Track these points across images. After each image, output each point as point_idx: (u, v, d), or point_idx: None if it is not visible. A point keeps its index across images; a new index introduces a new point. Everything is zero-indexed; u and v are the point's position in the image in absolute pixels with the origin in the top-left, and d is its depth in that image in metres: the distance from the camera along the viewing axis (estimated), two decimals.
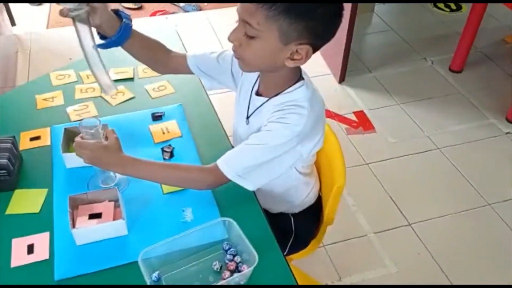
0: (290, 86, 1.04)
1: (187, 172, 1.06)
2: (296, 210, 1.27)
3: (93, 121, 1.04)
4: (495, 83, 2.80)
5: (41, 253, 0.98)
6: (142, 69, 1.53)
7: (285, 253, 1.04)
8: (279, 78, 1.03)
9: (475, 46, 2.84)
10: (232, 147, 1.24)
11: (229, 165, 1.01)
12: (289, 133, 0.99)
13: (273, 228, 1.05)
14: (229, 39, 0.98)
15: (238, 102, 1.19)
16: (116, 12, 1.07)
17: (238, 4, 0.94)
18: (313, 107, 1.01)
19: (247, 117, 1.13)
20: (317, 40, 0.96)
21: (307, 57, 0.97)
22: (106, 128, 1.09)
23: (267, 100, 1.07)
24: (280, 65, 0.98)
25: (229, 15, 3.38)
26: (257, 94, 1.11)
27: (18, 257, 0.98)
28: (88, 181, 1.13)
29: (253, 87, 1.12)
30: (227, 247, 0.98)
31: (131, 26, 1.08)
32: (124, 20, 1.06)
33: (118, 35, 1.06)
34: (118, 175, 1.13)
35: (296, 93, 1.03)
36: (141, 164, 1.04)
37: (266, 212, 1.13)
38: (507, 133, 2.45)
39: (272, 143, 0.99)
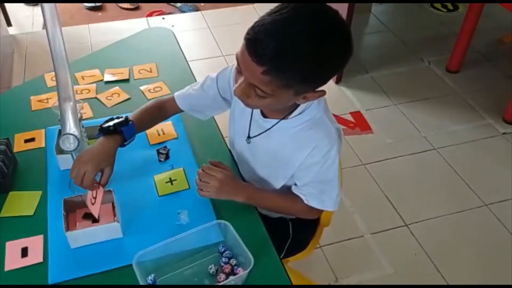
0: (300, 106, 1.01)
1: (297, 210, 1.13)
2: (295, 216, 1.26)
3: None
4: (492, 83, 2.80)
5: (35, 256, 0.97)
6: (138, 70, 1.53)
7: (281, 256, 1.04)
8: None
9: (472, 47, 2.84)
10: (228, 149, 1.25)
11: (326, 204, 1.09)
12: (335, 153, 1.02)
13: (270, 232, 1.04)
14: (236, 94, 0.94)
15: (233, 119, 1.16)
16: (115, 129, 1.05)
17: (242, 64, 0.88)
18: (331, 119, 1.04)
19: (249, 137, 1.11)
20: (329, 79, 0.94)
21: (320, 96, 0.95)
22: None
23: (277, 122, 1.04)
24: (291, 104, 0.99)
25: (226, 16, 3.39)
26: (263, 114, 1.07)
27: (12, 260, 0.97)
28: (70, 180, 1.12)
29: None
30: (222, 250, 0.97)
31: (133, 133, 1.09)
32: (126, 142, 1.07)
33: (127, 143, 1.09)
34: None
35: (310, 112, 1.01)
36: (262, 194, 1.10)
37: (265, 217, 1.13)
38: (503, 133, 2.45)
39: (336, 169, 1.04)
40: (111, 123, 1.04)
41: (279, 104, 0.97)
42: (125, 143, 1.07)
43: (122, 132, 1.04)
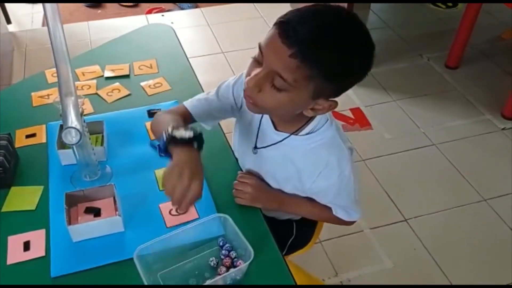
0: (311, 119, 0.99)
1: (328, 217, 1.13)
2: (299, 217, 1.27)
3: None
4: (490, 79, 2.81)
5: (37, 250, 0.98)
6: (138, 66, 1.53)
7: (283, 253, 1.04)
8: (295, 115, 0.96)
9: (471, 43, 2.84)
10: (229, 145, 1.25)
11: (352, 215, 1.11)
12: (349, 173, 1.02)
13: (274, 229, 1.05)
14: (249, 85, 0.88)
15: (241, 127, 1.14)
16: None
17: (268, 48, 0.85)
18: (343, 138, 1.03)
19: (255, 147, 1.10)
20: (342, 93, 0.91)
21: (329, 109, 0.92)
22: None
23: (288, 136, 1.01)
24: (297, 113, 0.94)
25: (225, 13, 3.39)
26: (274, 127, 1.04)
27: (14, 254, 0.97)
28: (71, 175, 1.14)
29: (262, 116, 1.07)
30: (221, 243, 0.98)
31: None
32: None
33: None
34: (100, 169, 1.14)
35: (323, 132, 1.00)
36: (293, 200, 1.11)
37: (271, 219, 1.14)
38: (502, 129, 2.46)
39: (352, 186, 1.04)
40: (186, 134, 0.91)
41: (290, 106, 0.90)
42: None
43: (201, 143, 0.93)
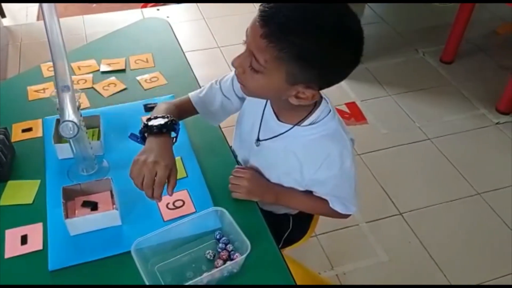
0: (313, 110, 1.00)
1: (325, 211, 1.14)
2: (296, 211, 1.28)
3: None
4: (486, 74, 2.83)
5: (35, 244, 0.98)
6: (134, 60, 1.53)
7: (279, 247, 1.05)
8: (293, 104, 0.95)
9: (467, 37, 2.85)
10: (225, 138, 1.26)
11: (349, 207, 1.12)
12: (350, 164, 1.03)
13: (270, 224, 1.05)
14: (233, 64, 0.92)
15: (242, 120, 1.15)
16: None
17: (249, 29, 0.87)
18: (345, 130, 1.03)
19: (258, 140, 1.10)
20: (327, 84, 0.92)
21: (313, 99, 0.92)
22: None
23: (291, 128, 1.02)
24: (284, 99, 0.94)
25: (221, 7, 3.38)
26: (277, 118, 1.05)
27: (12, 248, 0.98)
28: (68, 169, 1.14)
29: (264, 108, 1.07)
30: (218, 236, 0.99)
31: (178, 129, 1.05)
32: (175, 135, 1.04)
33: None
34: (97, 163, 1.14)
35: (325, 123, 1.00)
36: (289, 193, 1.11)
37: (268, 212, 1.15)
38: (497, 123, 2.48)
39: (352, 177, 1.06)
40: (157, 122, 0.99)
41: (268, 89, 0.91)
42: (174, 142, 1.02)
43: (175, 132, 1.01)
